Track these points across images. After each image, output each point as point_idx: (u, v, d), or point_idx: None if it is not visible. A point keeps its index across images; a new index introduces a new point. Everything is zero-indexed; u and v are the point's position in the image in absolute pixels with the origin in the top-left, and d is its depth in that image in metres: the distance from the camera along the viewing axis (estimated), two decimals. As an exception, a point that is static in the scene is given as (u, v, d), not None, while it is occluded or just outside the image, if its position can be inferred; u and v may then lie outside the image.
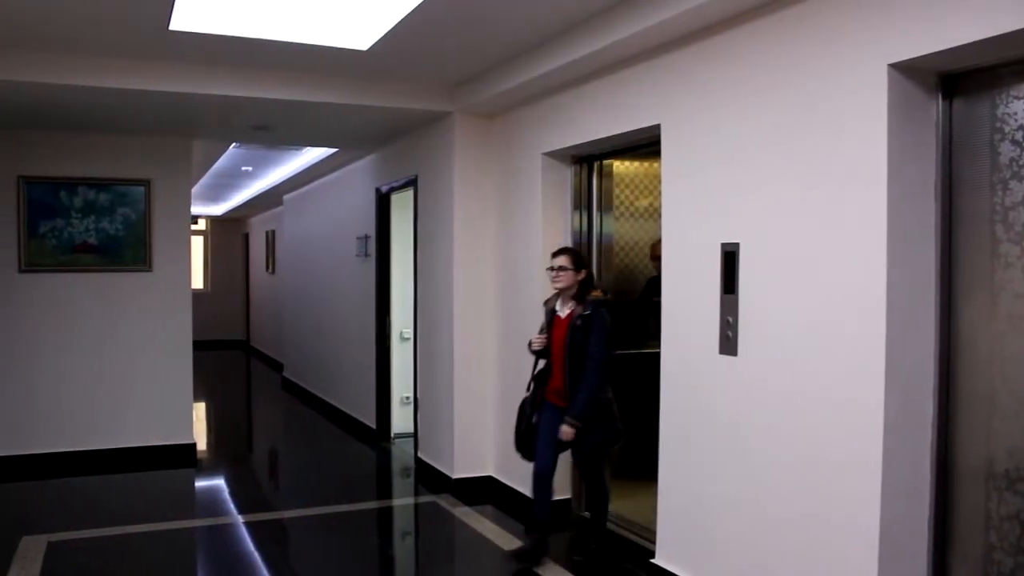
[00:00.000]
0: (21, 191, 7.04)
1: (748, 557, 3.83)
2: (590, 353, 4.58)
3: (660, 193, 4.50)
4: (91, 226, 7.27)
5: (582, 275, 4.73)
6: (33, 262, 7.09)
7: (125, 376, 7.35)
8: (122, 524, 5.72)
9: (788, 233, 3.57)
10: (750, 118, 3.79)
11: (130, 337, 7.37)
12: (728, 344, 3.89)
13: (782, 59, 3.60)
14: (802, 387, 3.49)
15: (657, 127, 4.44)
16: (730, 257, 3.87)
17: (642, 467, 5.83)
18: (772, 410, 3.66)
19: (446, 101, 6.14)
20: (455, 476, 6.30)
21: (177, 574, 5.11)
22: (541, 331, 4.92)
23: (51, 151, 7.14)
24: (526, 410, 4.92)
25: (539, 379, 4.93)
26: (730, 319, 3.87)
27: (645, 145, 4.89)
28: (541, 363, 4.95)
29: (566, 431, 4.60)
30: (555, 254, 4.80)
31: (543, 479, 4.80)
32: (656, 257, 5.85)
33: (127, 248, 7.36)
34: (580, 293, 4.71)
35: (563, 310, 4.78)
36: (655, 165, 5.86)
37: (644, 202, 6.20)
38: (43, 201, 7.13)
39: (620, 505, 5.62)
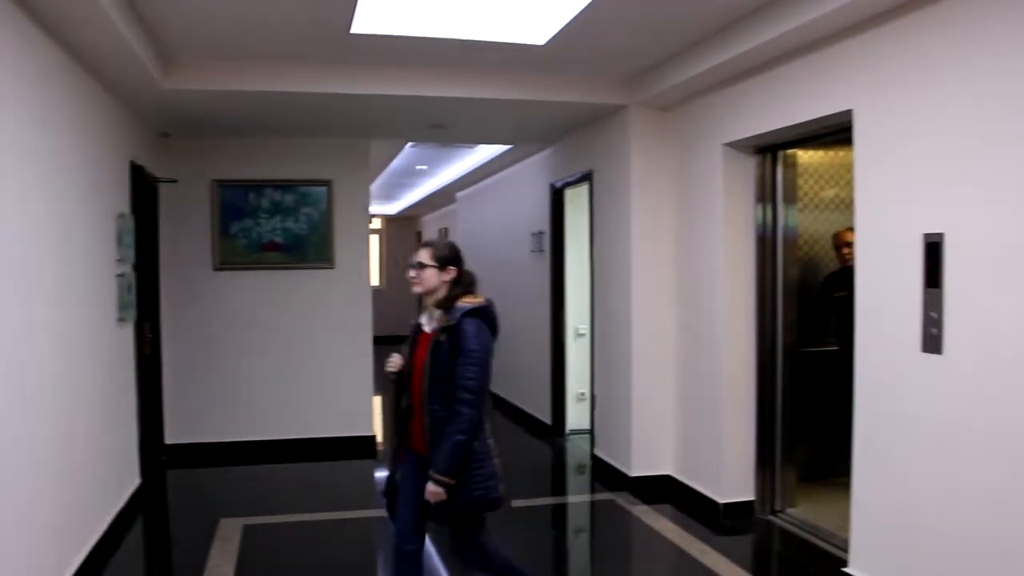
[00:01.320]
0: (214, 194, 7.43)
1: (956, 573, 3.56)
2: (458, 381, 3.36)
3: (847, 183, 4.27)
4: (277, 225, 7.58)
5: (450, 274, 3.55)
6: (225, 261, 7.47)
7: (311, 369, 7.63)
8: (309, 511, 5.96)
9: (1001, 222, 3.29)
10: (953, 99, 3.52)
11: (315, 332, 7.64)
12: (932, 342, 3.62)
13: (988, 34, 3.32)
14: (1020, 386, 3.22)
15: (848, 113, 4.19)
16: (933, 248, 3.61)
17: (828, 468, 5.62)
18: (986, 412, 3.38)
19: (621, 94, 6.05)
20: (633, 474, 6.21)
21: (359, 561, 5.24)
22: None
23: (240, 155, 7.49)
24: (393, 461, 3.80)
25: (404, 419, 3.69)
26: (934, 315, 3.61)
27: (832, 133, 4.63)
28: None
29: (432, 491, 3.37)
30: (418, 248, 3.68)
31: (406, 557, 3.62)
32: (840, 246, 5.59)
33: (310, 246, 7.64)
34: (448, 299, 3.53)
35: (429, 323, 3.62)
36: (840, 154, 5.61)
37: (829, 193, 5.94)
38: (233, 203, 7.49)
39: (807, 509, 5.40)
